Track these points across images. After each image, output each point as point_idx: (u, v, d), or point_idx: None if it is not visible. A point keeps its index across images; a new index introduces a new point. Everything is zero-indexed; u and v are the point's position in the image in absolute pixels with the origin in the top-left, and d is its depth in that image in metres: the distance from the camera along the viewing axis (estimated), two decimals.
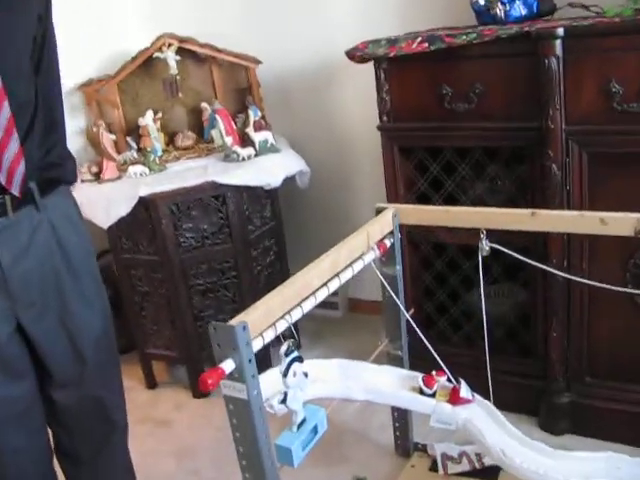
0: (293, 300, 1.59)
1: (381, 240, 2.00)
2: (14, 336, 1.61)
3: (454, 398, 1.89)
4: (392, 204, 2.12)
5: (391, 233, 2.03)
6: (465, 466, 2.21)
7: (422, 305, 2.64)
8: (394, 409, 2.33)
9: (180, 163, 2.93)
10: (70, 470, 1.87)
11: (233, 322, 1.42)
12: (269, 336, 1.54)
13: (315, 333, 3.37)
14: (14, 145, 1.47)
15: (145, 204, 2.65)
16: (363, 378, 1.96)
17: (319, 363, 1.98)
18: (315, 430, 1.73)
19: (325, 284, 1.74)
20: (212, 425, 2.74)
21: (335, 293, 3.45)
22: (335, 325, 3.45)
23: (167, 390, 3.08)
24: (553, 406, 2.38)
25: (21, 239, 1.56)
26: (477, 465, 2.20)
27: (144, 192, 2.59)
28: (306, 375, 1.68)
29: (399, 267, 2.06)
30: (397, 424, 2.35)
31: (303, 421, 1.69)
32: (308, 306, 1.67)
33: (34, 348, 1.65)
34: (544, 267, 2.02)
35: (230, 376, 1.45)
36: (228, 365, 1.42)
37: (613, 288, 1.87)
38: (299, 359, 1.63)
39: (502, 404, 1.90)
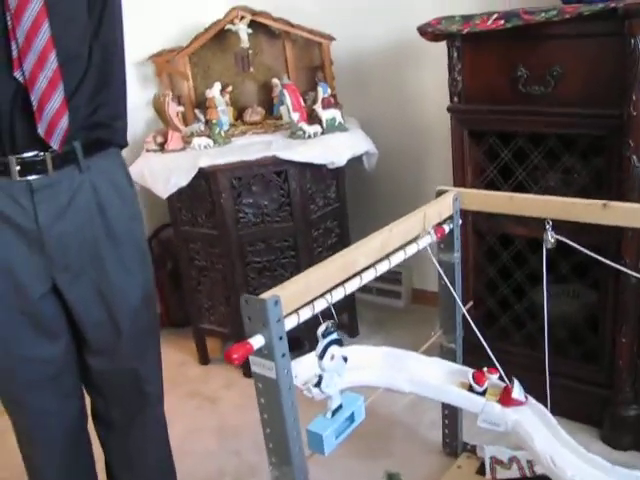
0: (335, 278, 1.49)
1: (439, 224, 1.88)
2: (49, 296, 1.57)
3: (505, 398, 1.76)
4: (454, 188, 1.99)
5: (451, 218, 1.91)
6: (515, 472, 2.09)
7: (484, 299, 2.51)
8: (444, 406, 2.22)
9: (246, 138, 2.86)
10: (103, 435, 1.84)
11: (265, 295, 1.34)
12: (305, 314, 1.45)
13: (375, 322, 3.28)
14: (58, 97, 1.42)
15: (205, 176, 2.60)
16: (409, 369, 1.85)
17: (363, 349, 1.88)
18: (352, 418, 1.64)
19: (373, 265, 1.64)
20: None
21: (399, 282, 3.41)
22: (396, 315, 3.35)
23: (219, 367, 3.04)
24: (618, 418, 2.21)
25: (61, 199, 1.51)
26: (528, 473, 2.07)
27: (204, 163, 2.53)
28: (345, 360, 1.59)
29: (457, 254, 1.94)
30: (446, 421, 2.24)
31: (339, 408, 1.60)
32: (352, 287, 1.57)
33: (70, 311, 1.61)
34: (615, 265, 1.87)
35: (259, 352, 1.37)
36: (257, 341, 1.35)
37: None
38: (338, 342, 1.54)
39: (561, 411, 1.77)
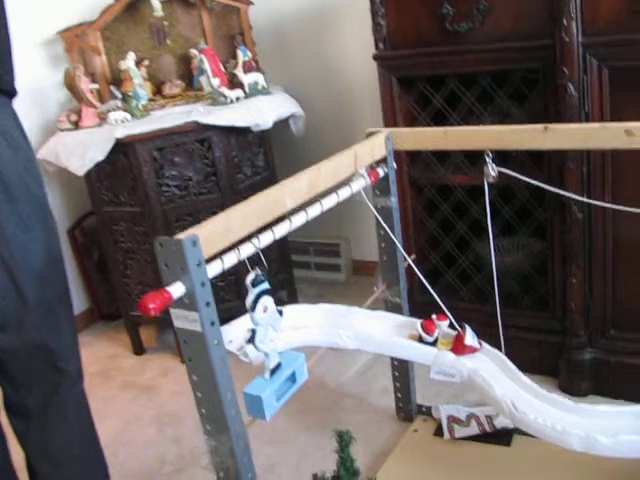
0: (259, 219, 1.34)
1: (373, 168, 1.75)
2: None
3: (458, 346, 1.65)
4: (385, 128, 1.86)
5: (385, 161, 1.78)
6: (474, 429, 1.96)
7: (427, 255, 2.39)
8: (395, 368, 2.09)
9: (165, 110, 2.69)
10: (19, 427, 1.63)
11: (181, 235, 1.18)
12: (230, 260, 1.30)
13: (316, 297, 3.15)
14: None
15: (124, 150, 2.42)
16: (353, 325, 1.71)
17: (301, 307, 1.74)
18: (293, 379, 1.49)
19: (304, 209, 1.49)
20: None
21: (337, 254, 3.28)
22: (338, 288, 3.22)
23: (154, 356, 2.86)
24: (573, 364, 2.12)
25: None
26: (488, 428, 1.95)
27: (121, 134, 2.36)
28: (280, 313, 1.44)
29: (394, 199, 1.81)
30: (398, 384, 2.11)
31: (278, 367, 1.45)
32: (281, 231, 1.43)
33: None
34: (559, 191, 1.76)
35: (181, 303, 1.21)
36: (176, 289, 1.19)
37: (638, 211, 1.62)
38: (270, 292, 1.39)
39: (516, 363, 1.64)
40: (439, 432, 2.01)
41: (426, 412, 2.11)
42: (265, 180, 2.70)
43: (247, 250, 1.33)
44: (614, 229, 1.97)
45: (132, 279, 2.72)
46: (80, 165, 2.43)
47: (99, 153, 2.40)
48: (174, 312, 1.24)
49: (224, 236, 1.26)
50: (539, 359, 2.20)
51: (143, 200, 2.48)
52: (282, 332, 1.51)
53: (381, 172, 1.77)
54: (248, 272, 1.35)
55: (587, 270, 2.03)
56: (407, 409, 2.13)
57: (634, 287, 2.00)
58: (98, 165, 2.44)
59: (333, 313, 1.73)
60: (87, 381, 1.70)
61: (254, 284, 1.35)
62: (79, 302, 3.16)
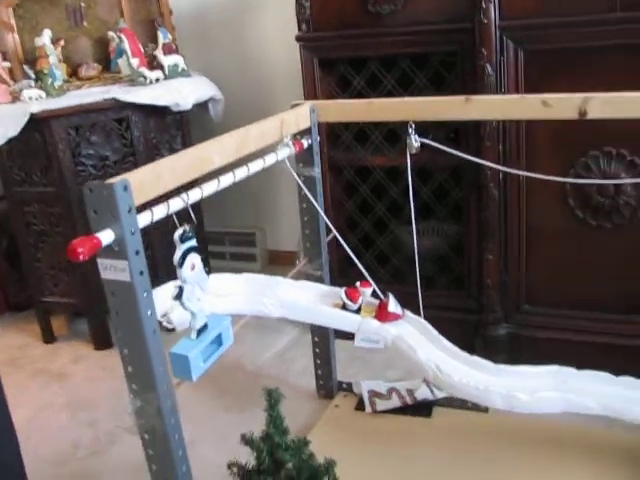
0: (188, 173, 1.33)
1: (297, 138, 1.76)
2: None
3: (382, 313, 1.67)
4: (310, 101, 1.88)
5: (309, 133, 1.79)
6: (395, 402, 1.99)
7: (346, 237, 2.40)
8: (315, 344, 2.10)
9: (82, 91, 2.62)
10: None
11: (113, 180, 1.15)
12: (159, 213, 1.28)
13: None
14: None
15: (38, 127, 2.36)
16: (278, 293, 1.71)
17: (225, 277, 1.72)
18: (219, 341, 1.48)
19: (232, 171, 1.48)
20: (113, 376, 2.45)
21: (252, 244, 3.27)
22: None
23: (65, 344, 2.78)
24: (490, 339, 2.17)
25: None
26: (408, 400, 1.98)
27: (36, 109, 2.29)
28: (208, 273, 1.43)
29: (318, 170, 1.82)
30: (318, 361, 2.11)
31: (204, 328, 1.43)
32: (209, 189, 1.41)
33: None
34: (478, 160, 1.81)
35: (109, 252, 1.18)
36: (106, 235, 1.16)
37: (552, 178, 1.69)
38: (197, 250, 1.37)
39: None
40: (360, 406, 2.02)
41: (347, 388, 2.12)
42: None
43: (176, 204, 1.32)
44: (528, 207, 2.04)
45: (44, 263, 2.64)
46: None
47: (12, 129, 2.32)
48: (102, 262, 1.21)
49: (154, 185, 1.24)
50: (457, 337, 2.22)
51: (58, 180, 2.41)
52: (207, 298, 1.50)
53: (305, 144, 1.78)
54: (175, 229, 1.34)
55: (503, 247, 2.09)
56: (328, 386, 2.13)
57: (546, 263, 2.08)
58: (10, 143, 2.36)
59: (257, 282, 1.72)
60: None
61: (182, 239, 1.33)
62: None
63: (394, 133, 2.22)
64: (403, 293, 2.16)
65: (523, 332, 2.15)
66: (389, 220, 2.34)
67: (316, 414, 2.07)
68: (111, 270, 1.21)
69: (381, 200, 2.33)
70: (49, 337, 2.78)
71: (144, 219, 1.23)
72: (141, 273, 1.20)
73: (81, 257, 1.12)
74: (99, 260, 1.21)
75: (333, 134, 2.32)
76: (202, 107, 2.63)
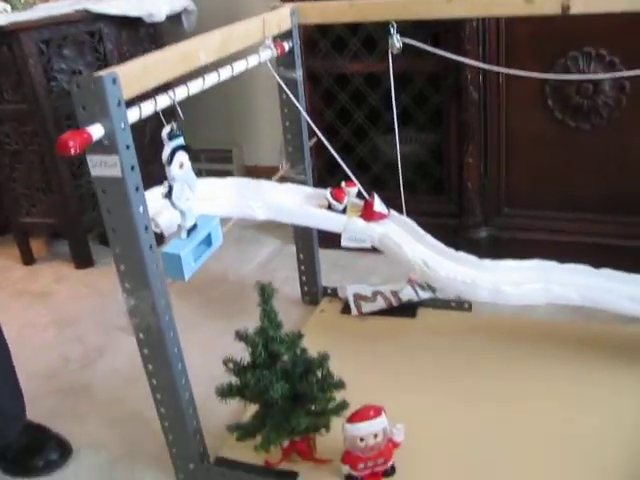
0: (175, 68, 1.31)
1: (278, 40, 1.73)
2: None
3: (367, 213, 1.68)
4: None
5: (290, 36, 1.77)
6: (380, 304, 2.02)
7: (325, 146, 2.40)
8: (299, 249, 2.11)
9: (49, 4, 2.55)
10: None
11: (101, 72, 1.14)
12: (147, 109, 1.27)
13: None
14: None
15: (7, 42, 2.29)
16: (264, 196, 1.71)
17: (211, 181, 1.71)
18: (209, 242, 1.49)
19: (217, 70, 1.47)
20: (97, 293, 2.47)
21: (229, 160, 3.25)
22: None
23: (46, 265, 2.77)
24: (470, 242, 2.20)
25: None
26: (393, 302, 2.01)
27: (3, 21, 2.22)
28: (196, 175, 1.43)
29: (300, 72, 1.80)
30: (303, 267, 2.13)
31: (194, 228, 1.44)
32: (195, 87, 1.40)
33: None
34: (460, 58, 1.81)
35: (99, 147, 1.17)
36: (96, 130, 1.15)
37: (532, 74, 1.70)
38: (185, 148, 1.37)
39: None
40: (346, 310, 2.05)
41: (332, 293, 2.15)
42: None
43: (164, 101, 1.30)
44: (508, 109, 2.06)
45: (19, 183, 2.60)
46: None
47: None
48: (92, 158, 1.20)
49: (142, 79, 1.22)
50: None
51: (30, 96, 2.36)
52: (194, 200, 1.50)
53: (286, 46, 1.76)
54: (163, 126, 1.33)
55: (482, 150, 2.10)
56: (312, 292, 2.16)
57: (526, 166, 2.10)
58: None
59: (243, 186, 1.72)
60: None
61: (170, 137, 1.32)
62: None
63: (372, 39, 2.20)
64: (384, 199, 2.19)
65: (503, 234, 2.18)
66: (369, 128, 2.34)
67: (302, 320, 2.10)
68: (101, 166, 1.20)
69: (360, 108, 2.32)
70: (29, 259, 2.77)
71: (133, 115, 1.22)
72: (132, 168, 1.20)
73: (72, 151, 1.11)
74: (89, 157, 1.20)
75: (310, 42, 2.29)
76: (175, 19, 2.58)
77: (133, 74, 1.20)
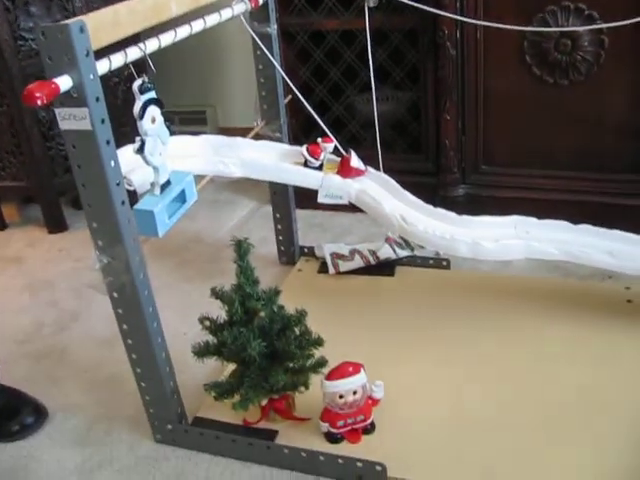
0: (146, 17, 1.27)
1: None
2: None
3: (344, 169, 1.66)
4: None
5: None
6: (358, 262, 2.00)
7: (300, 104, 2.37)
8: (275, 209, 2.08)
9: None
10: None
11: (68, 21, 1.10)
12: (117, 61, 1.23)
13: None
14: None
15: None
16: (239, 153, 1.68)
17: (186, 139, 1.69)
18: (183, 198, 1.45)
19: (189, 23, 1.43)
20: (71, 257, 2.43)
21: (203, 122, 3.20)
22: None
23: (18, 230, 2.72)
24: (448, 200, 2.19)
25: None
26: (371, 260, 2.00)
27: None
28: (170, 130, 1.39)
29: (275, 26, 1.76)
30: (279, 226, 2.11)
31: (168, 184, 1.40)
32: (166, 39, 1.35)
33: None
34: (438, 12, 1.78)
35: (67, 99, 1.13)
36: (64, 81, 1.11)
37: (510, 27, 1.68)
38: (158, 103, 1.33)
39: None
40: (324, 269, 2.04)
41: (308, 253, 2.13)
42: None
43: (134, 54, 1.26)
44: (486, 65, 2.03)
45: None
46: None
47: None
48: (60, 112, 1.16)
49: (112, 30, 1.19)
50: None
51: None
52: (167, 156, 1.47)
53: (260, 0, 1.72)
54: (134, 79, 1.29)
55: (460, 107, 2.08)
56: (289, 252, 2.14)
57: (504, 123, 2.08)
58: None
59: (217, 143, 1.69)
60: None
61: (142, 90, 1.28)
62: None
63: None
64: (361, 158, 2.17)
65: (481, 192, 2.17)
66: (345, 86, 2.31)
67: (279, 279, 2.08)
68: (70, 119, 1.16)
69: (336, 66, 2.28)
70: (0, 224, 2.72)
71: (102, 66, 1.18)
72: (102, 121, 1.16)
73: (39, 102, 1.07)
74: (57, 110, 1.16)
75: None
76: None
77: (102, 24, 1.16)
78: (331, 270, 2.00)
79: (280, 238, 2.12)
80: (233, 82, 3.09)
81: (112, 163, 1.20)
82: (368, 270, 1.99)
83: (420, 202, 1.64)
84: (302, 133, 2.36)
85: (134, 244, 1.29)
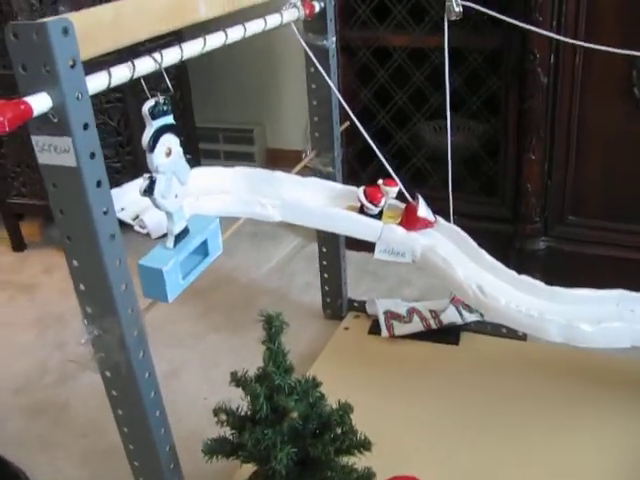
0: (162, 22, 0.97)
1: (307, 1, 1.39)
2: None
3: (409, 219, 1.34)
4: None
5: None
6: (417, 326, 1.67)
7: (358, 132, 2.06)
8: (322, 256, 1.77)
9: None
10: None
11: (46, 19, 0.80)
12: (120, 75, 0.92)
13: None
14: None
15: None
16: (280, 192, 1.37)
17: (214, 170, 1.38)
18: (204, 250, 1.14)
19: (223, 30, 1.12)
20: None
21: (250, 142, 2.91)
22: None
23: (37, 252, 2.45)
24: (526, 254, 1.85)
25: None
26: (433, 324, 1.67)
27: None
28: (189, 164, 1.08)
29: (333, 39, 1.45)
30: (326, 275, 1.79)
31: (184, 234, 1.09)
32: (191, 50, 1.05)
33: None
34: (532, 28, 1.45)
35: (47, 126, 0.83)
36: (39, 101, 0.81)
37: (619, 51, 1.35)
38: (175, 130, 1.02)
39: None
40: (375, 330, 1.71)
41: (358, 308, 1.81)
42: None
43: (145, 65, 0.96)
44: (583, 97, 1.70)
45: (9, 159, 2.30)
46: None
47: None
48: (36, 140, 0.86)
49: (110, 33, 0.88)
50: (486, 250, 1.92)
51: None
52: (188, 195, 1.17)
53: (317, 6, 1.41)
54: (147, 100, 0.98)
55: (548, 145, 1.75)
56: (336, 305, 1.82)
57: (600, 167, 1.74)
58: None
59: (253, 178, 1.39)
60: None
61: (154, 114, 0.98)
62: None
63: (420, 7, 1.85)
64: (425, 197, 1.85)
65: (566, 247, 1.83)
66: (411, 112, 1.98)
67: (323, 336, 1.77)
68: (50, 151, 0.86)
69: (402, 88, 1.96)
70: (18, 244, 2.45)
71: (97, 81, 0.88)
72: (92, 156, 0.86)
73: (2, 128, 0.77)
74: (33, 138, 0.87)
75: (348, 8, 1.94)
76: None
77: (97, 25, 0.86)
78: (384, 333, 1.67)
79: (326, 288, 1.81)
80: (286, 99, 2.79)
81: (104, 209, 0.90)
82: (428, 335, 1.66)
83: (500, 266, 1.31)
84: (359, 164, 2.05)
85: (132, 315, 0.99)
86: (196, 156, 2.63)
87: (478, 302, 1.25)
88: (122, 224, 1.03)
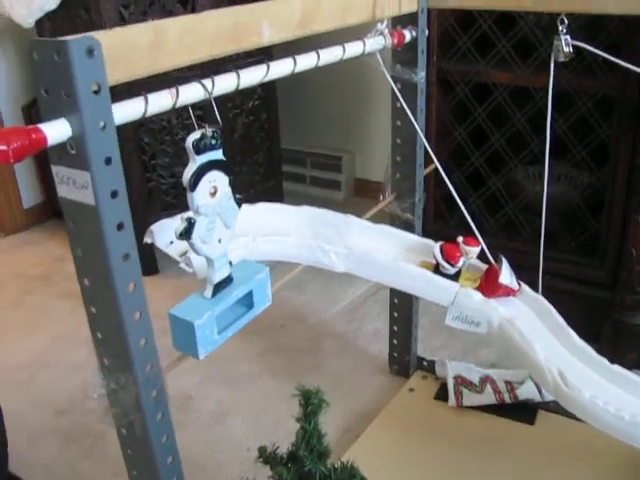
0: (217, 45, 0.84)
1: (397, 28, 1.25)
2: None
3: (489, 284, 1.18)
4: None
5: (414, 21, 1.27)
6: (489, 397, 1.50)
7: (448, 173, 1.90)
8: (393, 309, 1.62)
9: None
10: None
11: (70, 37, 0.68)
12: (159, 103, 0.80)
13: None
14: None
15: (84, 3, 1.92)
16: (347, 239, 1.23)
17: (275, 207, 1.25)
18: (249, 302, 1.01)
19: (292, 57, 0.99)
20: (151, 307, 2.05)
21: (338, 169, 2.78)
22: (334, 209, 2.71)
23: None
24: (622, 328, 1.65)
25: None
26: (507, 398, 1.49)
27: None
28: (239, 204, 0.95)
29: (423, 74, 1.30)
30: (395, 327, 1.64)
31: (227, 282, 0.97)
32: (253, 77, 0.92)
33: None
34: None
35: (64, 156, 0.72)
36: (57, 128, 0.70)
37: None
38: (223, 166, 0.90)
39: None
40: (442, 395, 1.55)
41: (427, 367, 1.65)
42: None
43: (190, 94, 0.84)
44: None
45: None
46: (26, 14, 1.91)
47: (51, 1, 1.89)
48: (56, 170, 0.75)
49: (149, 55, 0.76)
50: (577, 319, 1.72)
51: None
52: (239, 236, 1.05)
53: (408, 36, 1.27)
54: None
55: None
56: (403, 361, 1.66)
57: None
58: (53, 22, 1.95)
59: (320, 220, 1.25)
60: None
61: (199, 149, 0.85)
62: (31, 194, 2.74)
63: (527, 42, 1.68)
64: (512, 250, 1.67)
65: None
66: (508, 156, 1.81)
67: (384, 394, 1.62)
68: (68, 185, 0.75)
69: (500, 129, 1.80)
70: None
71: (127, 110, 0.77)
72: (114, 195, 0.74)
73: (4, 159, 0.66)
74: (53, 167, 0.76)
75: (446, 38, 1.79)
76: None
77: (133, 48, 0.74)
78: (451, 401, 1.51)
79: (394, 341, 1.65)
80: (379, 128, 2.66)
81: (123, 254, 0.78)
82: (501, 409, 1.48)
83: (590, 350, 1.13)
84: (446, 205, 1.89)
85: (151, 373, 0.86)
86: (278, 179, 2.53)
87: (557, 391, 1.07)
88: None
